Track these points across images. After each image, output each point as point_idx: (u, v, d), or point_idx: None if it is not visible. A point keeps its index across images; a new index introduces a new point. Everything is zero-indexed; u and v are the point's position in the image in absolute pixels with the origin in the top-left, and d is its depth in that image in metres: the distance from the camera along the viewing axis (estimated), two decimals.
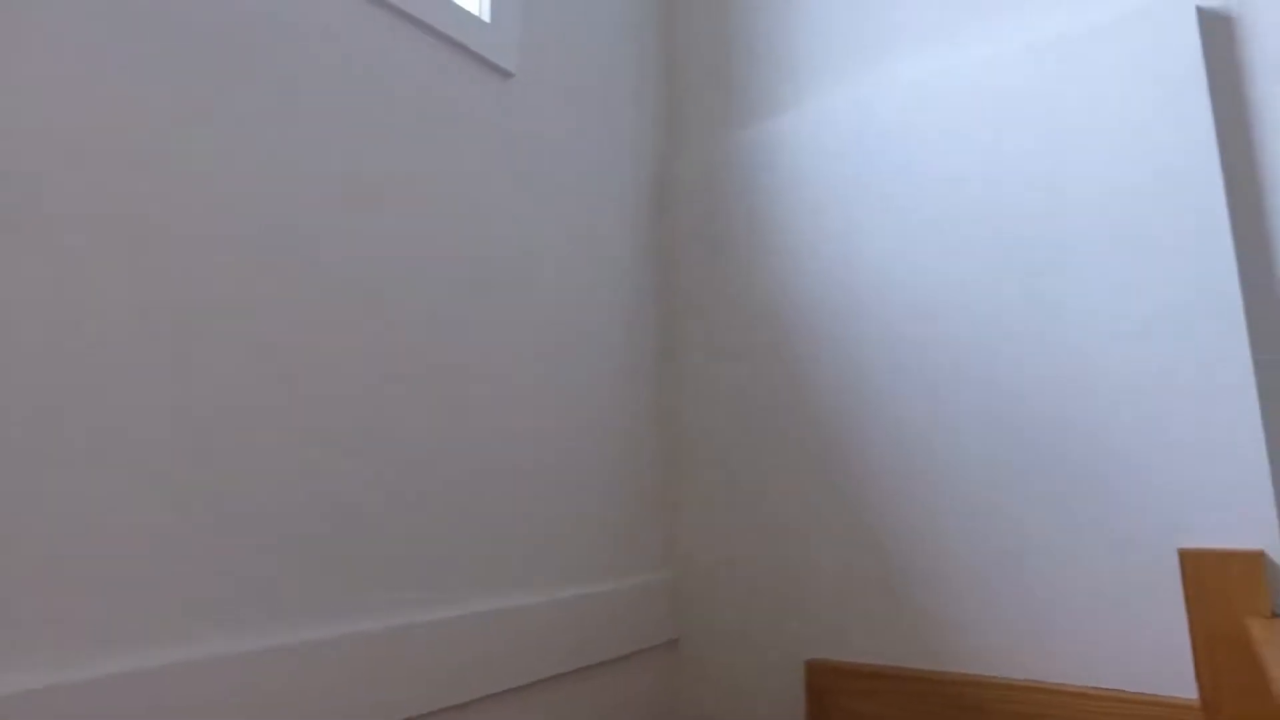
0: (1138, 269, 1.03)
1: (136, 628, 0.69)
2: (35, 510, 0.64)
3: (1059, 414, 1.06)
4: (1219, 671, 0.90)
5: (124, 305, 0.72)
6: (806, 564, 1.25)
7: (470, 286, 1.09)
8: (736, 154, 1.45)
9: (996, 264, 1.14)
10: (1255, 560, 0.89)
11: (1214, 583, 0.92)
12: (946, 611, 1.10)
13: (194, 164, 0.79)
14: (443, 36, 1.09)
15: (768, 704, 1.25)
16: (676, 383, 1.45)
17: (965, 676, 1.07)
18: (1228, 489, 0.93)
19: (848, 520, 1.21)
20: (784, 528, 1.28)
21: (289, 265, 0.86)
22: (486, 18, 1.18)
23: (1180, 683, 0.93)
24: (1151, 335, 1.01)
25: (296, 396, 0.85)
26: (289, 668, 0.78)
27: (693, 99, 1.58)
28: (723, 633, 1.32)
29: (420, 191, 1.03)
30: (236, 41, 0.84)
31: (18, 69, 0.67)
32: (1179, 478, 0.96)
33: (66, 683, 0.62)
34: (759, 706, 1.26)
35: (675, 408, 1.44)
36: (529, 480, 1.13)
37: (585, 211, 1.33)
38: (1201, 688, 0.91)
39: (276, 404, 0.83)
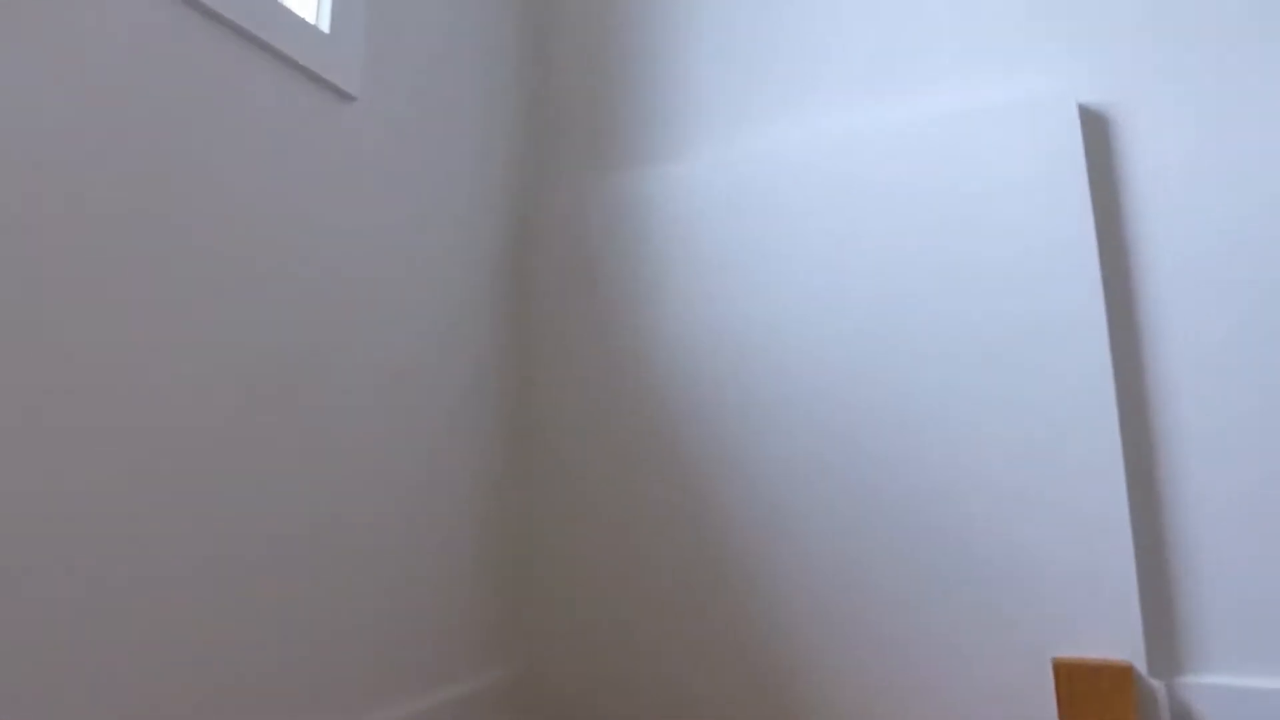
0: (1016, 386, 1.02)
1: None
2: None
3: (937, 517, 1.03)
4: None
5: None
6: (667, 647, 1.15)
7: (304, 337, 0.90)
8: (607, 198, 1.34)
9: (857, 354, 1.10)
10: (1124, 673, 0.89)
11: (1085, 692, 0.91)
12: (818, 699, 1.04)
13: None
14: (274, 51, 0.90)
15: None
16: (528, 445, 1.32)
17: None
18: (1101, 603, 0.93)
19: (718, 615, 1.13)
20: (646, 610, 1.17)
21: (94, 314, 0.64)
22: (326, 28, 0.99)
23: None
24: (1032, 453, 1.00)
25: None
26: None
27: (565, 137, 1.46)
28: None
29: (239, 222, 0.83)
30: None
31: None
32: (1056, 590, 0.96)
33: None
34: None
35: (526, 474, 1.31)
36: (355, 568, 0.95)
37: (436, 256, 1.16)
38: None
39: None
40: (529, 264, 1.39)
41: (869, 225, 1.14)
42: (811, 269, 1.16)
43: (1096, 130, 1.07)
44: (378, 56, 1.09)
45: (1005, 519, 1.00)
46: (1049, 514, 0.98)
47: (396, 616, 1.01)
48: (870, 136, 1.16)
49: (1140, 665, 0.90)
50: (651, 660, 1.16)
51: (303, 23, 0.94)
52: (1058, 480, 0.98)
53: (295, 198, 0.92)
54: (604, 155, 1.41)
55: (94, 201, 0.70)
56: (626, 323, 1.28)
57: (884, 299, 1.11)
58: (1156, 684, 0.91)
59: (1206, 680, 0.91)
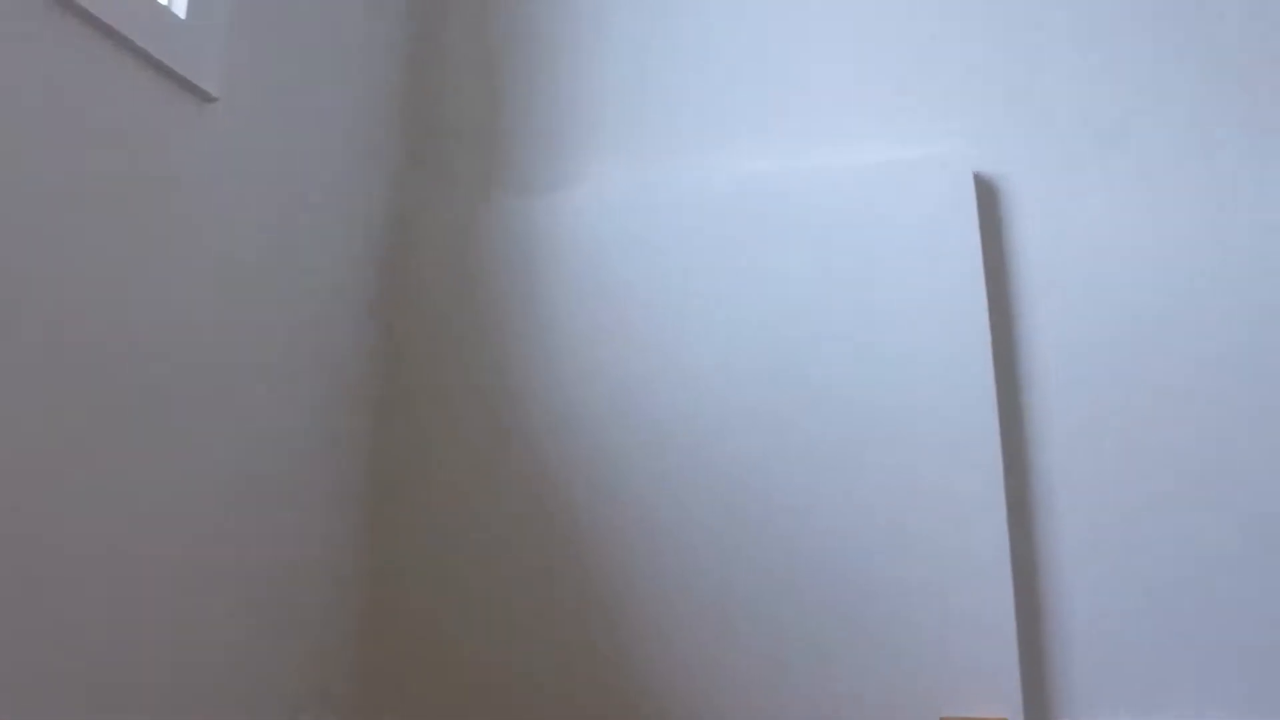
0: (905, 450, 1.05)
1: None
2: None
3: (829, 565, 1.04)
4: None
5: None
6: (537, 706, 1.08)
7: (126, 392, 0.74)
8: (497, 224, 1.24)
9: (746, 396, 1.10)
10: None
11: None
12: None
13: None
14: (113, 34, 0.73)
15: None
16: (390, 509, 1.19)
17: None
18: (984, 661, 0.97)
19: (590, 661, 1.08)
20: (514, 662, 1.10)
21: None
22: (181, 12, 0.83)
23: None
24: (918, 508, 1.03)
25: None
26: None
27: (454, 154, 1.34)
28: None
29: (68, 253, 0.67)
30: None
31: None
32: (942, 647, 0.99)
33: None
34: None
35: (389, 537, 1.19)
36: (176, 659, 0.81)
37: (293, 295, 1.02)
38: None
39: None
40: (404, 295, 1.26)
41: (768, 269, 1.13)
42: (708, 311, 1.14)
43: (989, 196, 1.12)
44: (241, 50, 0.93)
45: (891, 562, 1.02)
46: (935, 558, 1.01)
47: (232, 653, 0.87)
48: (775, 184, 1.15)
49: (1018, 717, 0.95)
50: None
51: (152, 2, 0.78)
52: (943, 523, 1.01)
53: (132, 220, 0.76)
54: (496, 177, 1.31)
55: None
56: (513, 362, 1.19)
57: (777, 343, 1.11)
58: None
59: None
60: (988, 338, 1.05)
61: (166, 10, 0.81)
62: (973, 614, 0.99)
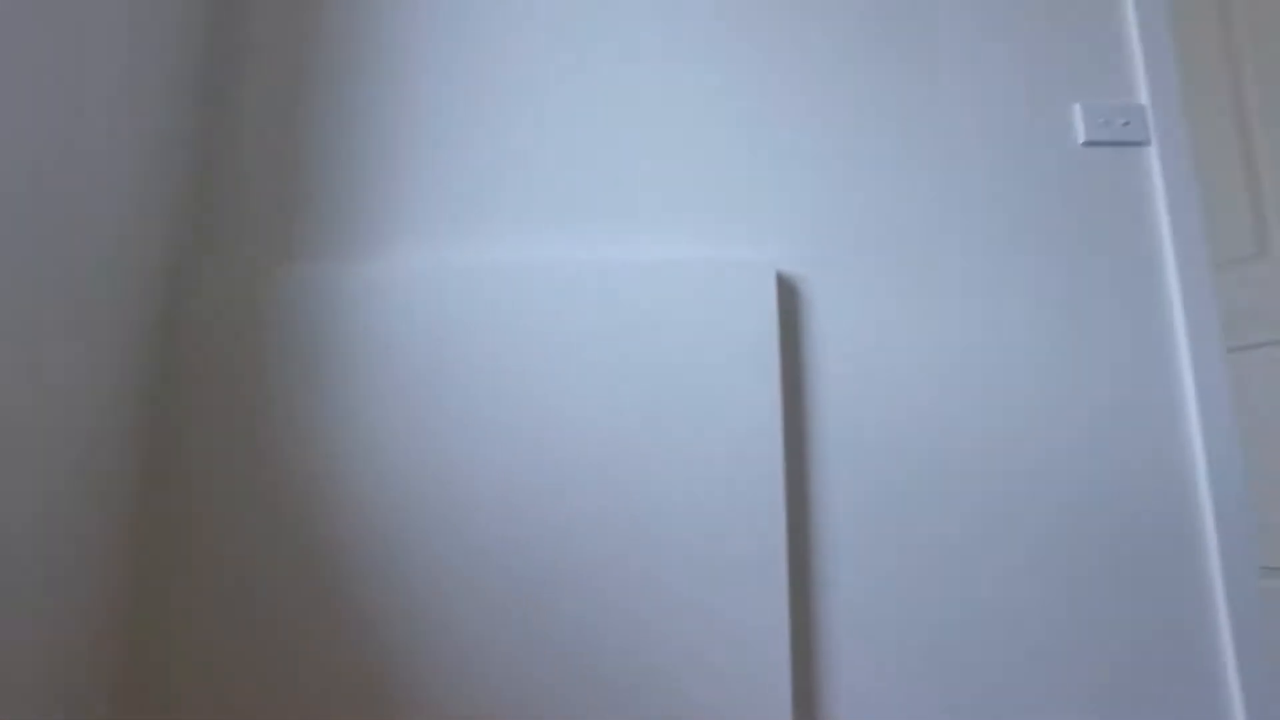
0: (702, 527, 1.08)
1: None
2: None
3: (621, 636, 1.05)
4: None
5: None
6: None
7: None
8: (284, 291, 1.20)
9: (527, 486, 1.11)
10: None
11: None
12: None
13: None
14: None
15: None
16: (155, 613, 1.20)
17: None
18: None
19: None
20: None
21: None
22: None
23: None
24: (706, 580, 1.07)
25: None
26: None
27: (239, 210, 1.27)
28: None
29: None
30: None
31: None
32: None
33: None
34: None
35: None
36: None
37: (55, 361, 1.03)
38: None
39: None
40: (176, 363, 1.18)
41: (568, 355, 1.17)
42: (503, 391, 1.16)
43: (789, 295, 1.22)
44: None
45: (680, 633, 1.07)
46: (720, 631, 1.06)
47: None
48: (582, 271, 1.19)
49: None
50: None
51: None
52: (728, 599, 1.08)
53: None
54: (284, 239, 1.25)
55: None
56: (287, 442, 1.17)
57: (578, 424, 1.15)
58: None
59: None
60: (779, 424, 1.14)
61: None
62: (749, 679, 1.03)
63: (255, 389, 1.16)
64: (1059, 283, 1.26)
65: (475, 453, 1.13)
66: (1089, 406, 1.22)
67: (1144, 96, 1.34)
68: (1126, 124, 1.33)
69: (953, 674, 1.10)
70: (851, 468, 1.18)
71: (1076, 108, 1.33)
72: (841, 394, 1.20)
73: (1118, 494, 1.19)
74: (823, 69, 1.32)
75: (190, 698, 1.05)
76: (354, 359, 1.17)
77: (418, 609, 1.09)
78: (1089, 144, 1.32)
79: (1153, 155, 1.33)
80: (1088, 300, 1.26)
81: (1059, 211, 1.29)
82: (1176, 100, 1.34)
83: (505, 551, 1.11)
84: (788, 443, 1.17)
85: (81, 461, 0.99)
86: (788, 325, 1.21)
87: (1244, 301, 1.98)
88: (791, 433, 1.18)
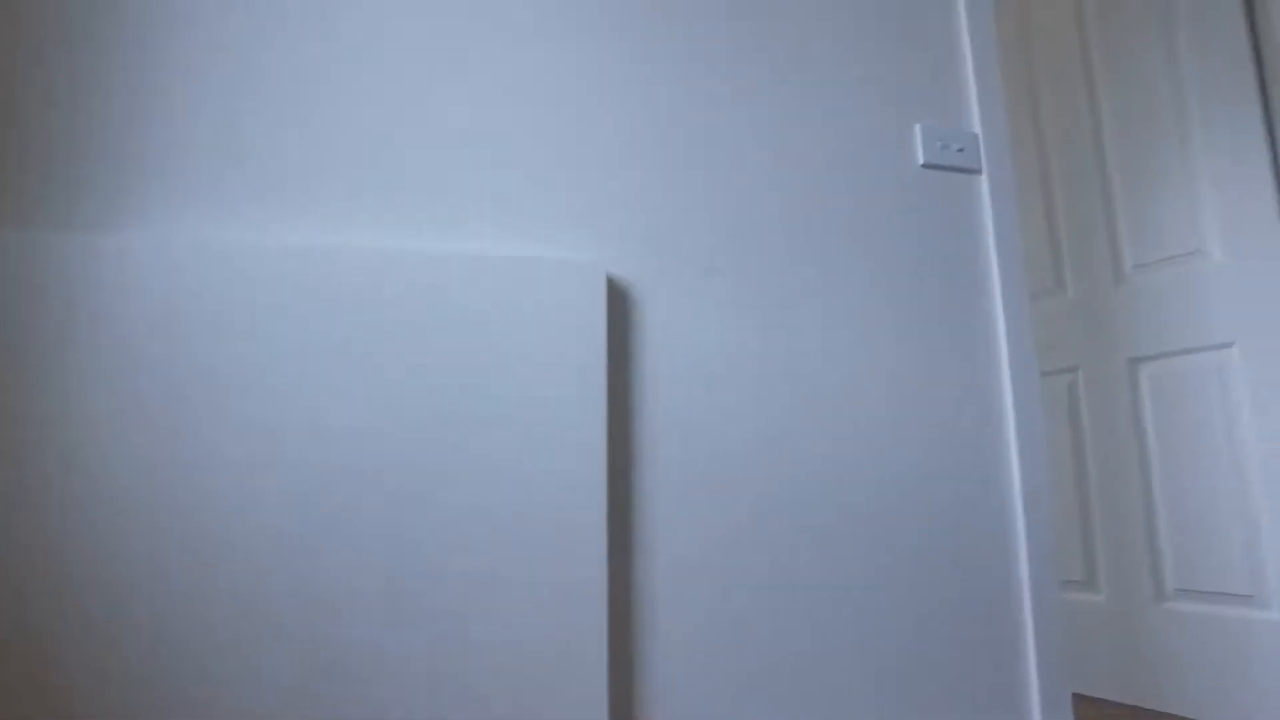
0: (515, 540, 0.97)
1: None
2: None
3: (438, 645, 0.92)
4: None
5: None
6: None
7: None
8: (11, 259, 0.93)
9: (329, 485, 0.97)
10: None
11: None
12: None
13: None
14: None
15: None
16: None
17: None
18: None
19: None
20: None
21: None
22: None
23: None
24: (520, 600, 0.95)
25: None
26: None
27: None
28: None
29: None
30: None
31: None
32: None
33: None
34: None
35: None
36: None
37: None
38: None
39: None
40: None
41: (382, 351, 0.99)
42: (280, 398, 0.96)
43: (620, 300, 1.13)
44: None
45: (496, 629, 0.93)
46: (529, 660, 0.93)
47: None
48: (384, 262, 1.00)
49: None
50: None
51: None
52: (544, 616, 0.97)
53: None
54: (15, 199, 0.98)
55: None
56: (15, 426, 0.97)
57: (387, 425, 1.00)
58: None
59: None
60: (604, 435, 1.04)
61: None
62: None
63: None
64: (892, 301, 1.24)
65: (245, 461, 0.91)
66: (916, 422, 1.22)
67: (977, 125, 1.36)
68: (961, 150, 1.33)
69: (782, 708, 1.02)
70: (679, 483, 1.09)
71: (917, 128, 1.32)
72: (671, 404, 1.11)
73: (939, 504, 1.21)
74: (672, 69, 1.22)
75: None
76: (81, 348, 0.90)
77: (163, 625, 0.85)
78: (927, 166, 1.31)
79: (983, 184, 1.34)
80: (919, 320, 1.25)
81: (896, 231, 1.27)
82: (1004, 133, 1.37)
83: (281, 572, 0.89)
84: (612, 455, 1.07)
85: None
86: (617, 331, 1.10)
87: (1040, 333, 2.11)
88: (617, 444, 1.07)
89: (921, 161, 1.30)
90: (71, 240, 0.92)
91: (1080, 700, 1.87)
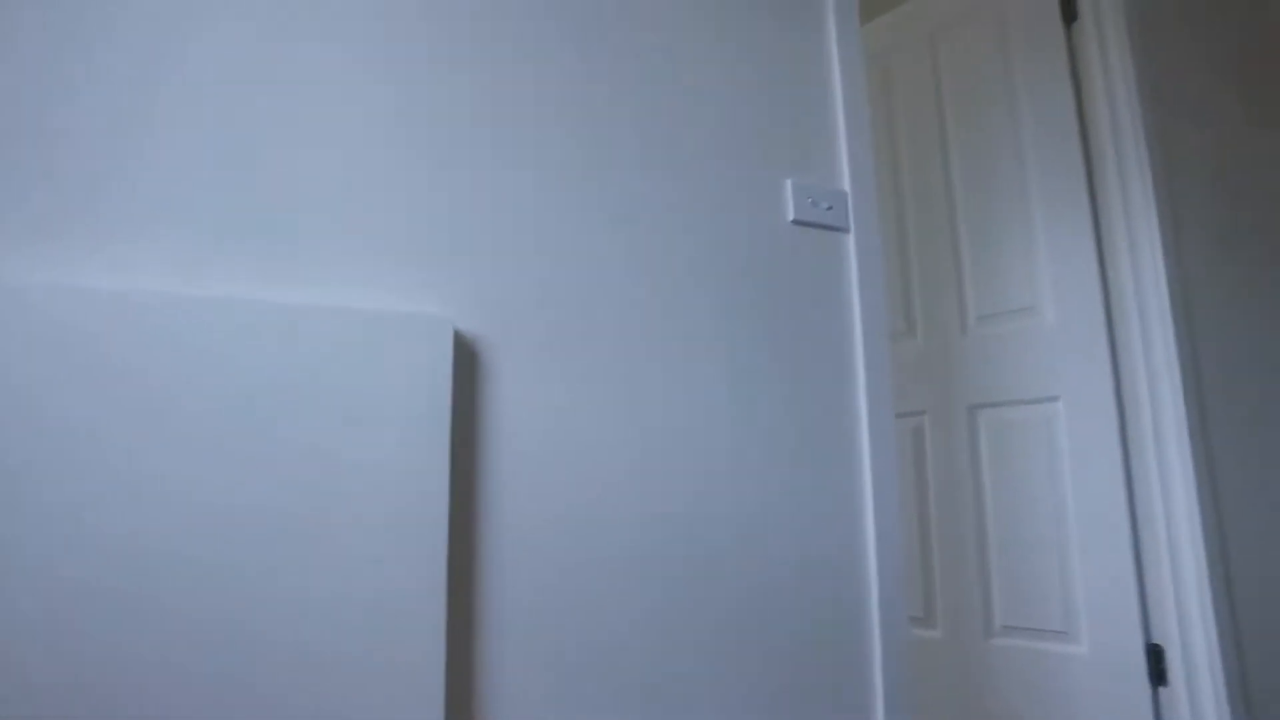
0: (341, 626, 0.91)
1: None
2: None
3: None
4: None
5: None
6: None
7: None
8: None
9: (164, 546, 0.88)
10: None
11: None
12: None
13: None
14: None
15: None
16: None
17: None
18: None
19: None
20: None
21: None
22: None
23: None
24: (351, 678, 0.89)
25: None
26: None
27: None
28: None
29: None
30: None
31: None
32: None
33: None
34: None
35: None
36: None
37: None
38: None
39: None
40: None
41: (179, 418, 0.87)
42: (72, 462, 0.87)
43: (468, 357, 1.04)
44: None
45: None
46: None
47: None
48: (203, 312, 0.87)
49: None
50: None
51: None
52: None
53: None
54: None
55: None
56: None
57: (204, 483, 0.90)
58: None
59: None
60: (446, 505, 0.95)
61: None
62: None
63: None
64: (757, 353, 1.24)
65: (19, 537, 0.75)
66: (776, 466, 1.23)
67: (846, 183, 1.38)
68: (830, 208, 1.35)
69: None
70: (527, 552, 1.02)
71: (788, 184, 1.32)
72: (520, 469, 1.04)
73: (793, 545, 1.21)
74: (531, 116, 1.13)
75: None
76: None
77: None
78: (797, 222, 1.32)
79: (850, 242, 1.37)
80: (782, 373, 1.26)
81: (765, 288, 1.27)
82: (872, 192, 1.41)
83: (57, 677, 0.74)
84: (454, 527, 0.98)
85: None
86: (464, 389, 1.02)
87: (891, 377, 2.21)
88: (459, 514, 0.98)
89: (792, 218, 1.31)
90: None
91: None
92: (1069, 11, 1.91)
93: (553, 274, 1.11)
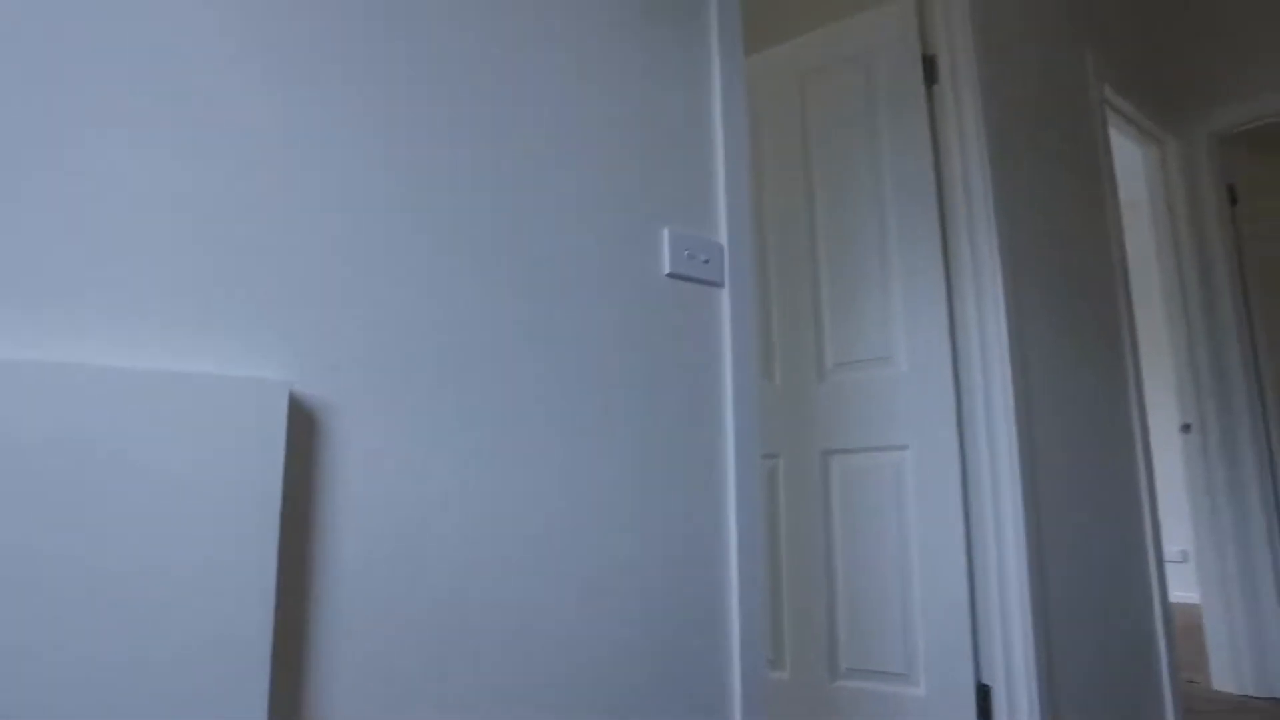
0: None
1: None
2: None
3: None
4: None
5: None
6: None
7: None
8: None
9: None
10: None
11: None
12: None
13: None
14: None
15: None
16: None
17: None
18: None
19: None
20: None
21: None
22: None
23: None
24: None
25: None
26: None
27: None
28: None
29: None
30: None
31: None
32: None
33: None
34: None
35: None
36: None
37: None
38: None
39: None
40: None
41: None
42: None
43: (305, 424, 0.91)
44: None
45: None
46: None
47: None
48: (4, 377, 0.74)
49: None
50: None
51: None
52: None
53: None
54: None
55: None
56: None
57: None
58: None
59: None
60: (272, 594, 0.81)
61: None
62: None
63: None
64: (628, 406, 1.16)
65: None
66: (643, 515, 1.17)
67: (723, 236, 1.34)
68: (707, 262, 1.30)
69: None
70: (367, 649, 0.89)
71: (665, 233, 1.26)
72: (364, 552, 0.90)
73: (658, 590, 1.17)
74: (381, 163, 0.98)
75: None
76: None
77: None
78: (673, 276, 1.26)
79: (724, 297, 1.32)
80: (653, 426, 1.19)
81: (639, 343, 1.19)
82: (749, 247, 1.37)
83: None
84: (282, 619, 0.83)
85: None
86: (299, 460, 0.87)
87: None
88: (290, 604, 0.84)
89: (667, 271, 1.24)
90: None
91: None
92: (930, 74, 1.98)
93: (411, 337, 0.97)
